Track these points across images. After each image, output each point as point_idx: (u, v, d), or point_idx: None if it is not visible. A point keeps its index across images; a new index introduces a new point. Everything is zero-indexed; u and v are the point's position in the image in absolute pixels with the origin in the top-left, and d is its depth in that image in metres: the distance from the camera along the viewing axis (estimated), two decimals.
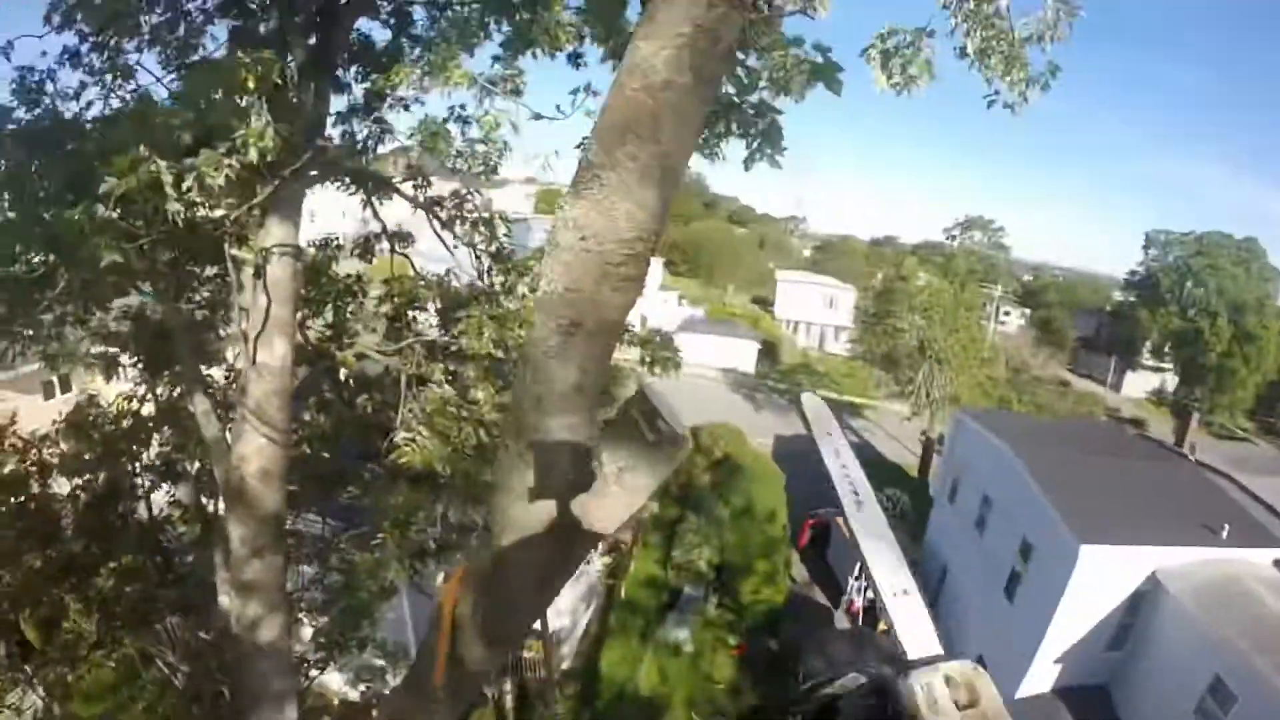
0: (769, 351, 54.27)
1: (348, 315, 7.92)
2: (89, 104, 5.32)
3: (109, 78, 5.19)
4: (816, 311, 64.00)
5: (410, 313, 7.85)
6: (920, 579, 24.16)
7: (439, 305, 7.86)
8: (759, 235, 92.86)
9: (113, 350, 7.15)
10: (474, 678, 2.81)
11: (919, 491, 31.33)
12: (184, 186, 3.84)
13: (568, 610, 19.39)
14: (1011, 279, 69.62)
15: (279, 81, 3.99)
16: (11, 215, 4.54)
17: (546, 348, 1.88)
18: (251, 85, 3.70)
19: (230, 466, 5.50)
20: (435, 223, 7.54)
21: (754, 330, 57.65)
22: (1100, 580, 16.74)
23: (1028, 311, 70.85)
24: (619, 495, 2.13)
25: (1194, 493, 19.66)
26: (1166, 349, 54.69)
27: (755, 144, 4.13)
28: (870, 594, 21.77)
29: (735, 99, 4.12)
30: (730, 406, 40.63)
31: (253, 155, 4.01)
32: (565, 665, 18.88)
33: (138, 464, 7.66)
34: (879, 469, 35.12)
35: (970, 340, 36.43)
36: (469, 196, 7.80)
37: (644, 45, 1.55)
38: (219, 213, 4.56)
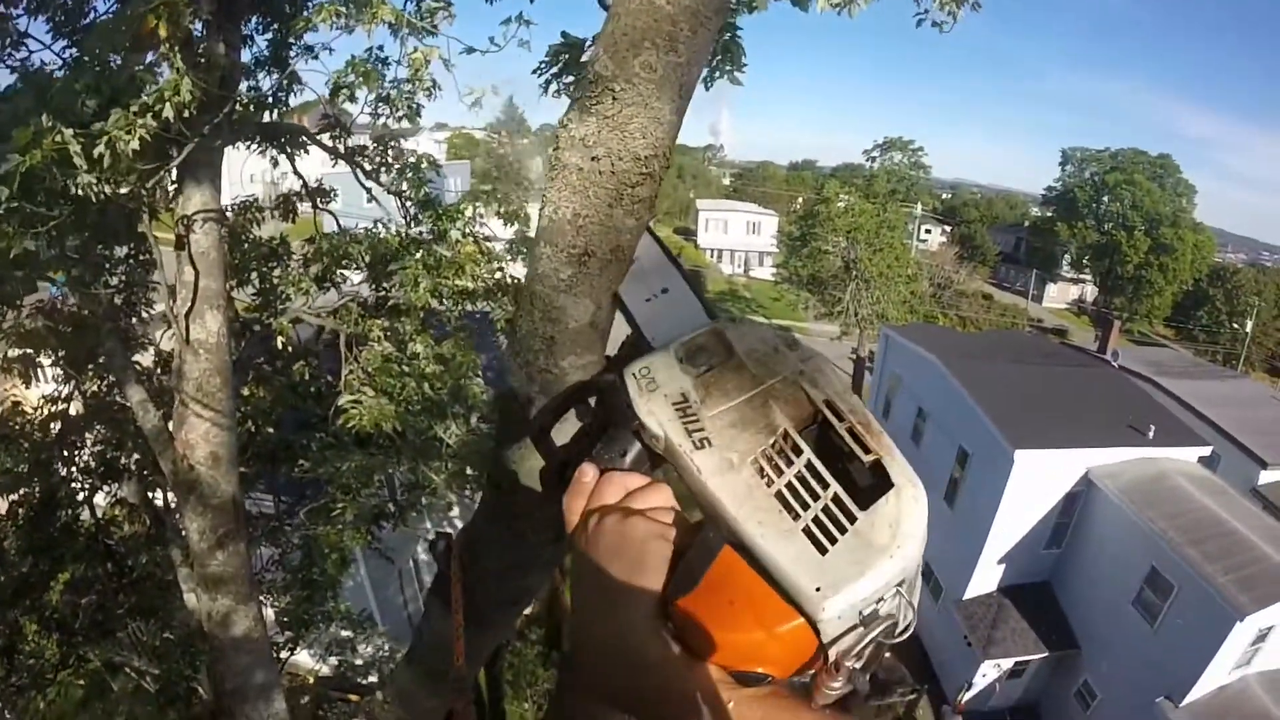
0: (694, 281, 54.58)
1: (275, 280, 7.53)
2: None
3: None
4: (739, 238, 64.59)
5: (340, 271, 7.52)
6: None
7: (368, 260, 7.57)
8: (677, 165, 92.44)
9: (28, 351, 6.60)
10: (488, 644, 2.73)
11: None
12: (94, 155, 3.48)
13: None
14: (931, 198, 71.31)
15: (190, 28, 3.62)
16: None
17: (556, 281, 1.74)
18: (163, 32, 3.33)
19: (177, 456, 5.18)
20: (359, 173, 7.20)
21: None
22: (1036, 483, 17.71)
23: (948, 229, 72.89)
24: None
25: (1119, 396, 20.83)
26: (1085, 261, 57.24)
27: (715, 61, 3.98)
28: None
29: None
30: None
31: (169, 112, 3.65)
32: (528, 610, 19.01)
33: (73, 468, 7.17)
34: None
35: (894, 259, 37.36)
36: (394, 143, 7.47)
37: None
38: (126, 189, 4.18)
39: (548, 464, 0.94)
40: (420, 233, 7.41)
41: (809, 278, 39.11)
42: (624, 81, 1.52)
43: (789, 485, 0.81)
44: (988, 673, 18.26)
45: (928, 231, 69.92)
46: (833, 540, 0.78)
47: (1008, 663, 18.18)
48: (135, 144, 3.59)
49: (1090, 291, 60.57)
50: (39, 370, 6.68)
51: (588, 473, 0.88)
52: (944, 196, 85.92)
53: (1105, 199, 54.80)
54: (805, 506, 0.80)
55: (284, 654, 9.64)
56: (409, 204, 7.31)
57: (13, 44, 4.69)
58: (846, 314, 37.11)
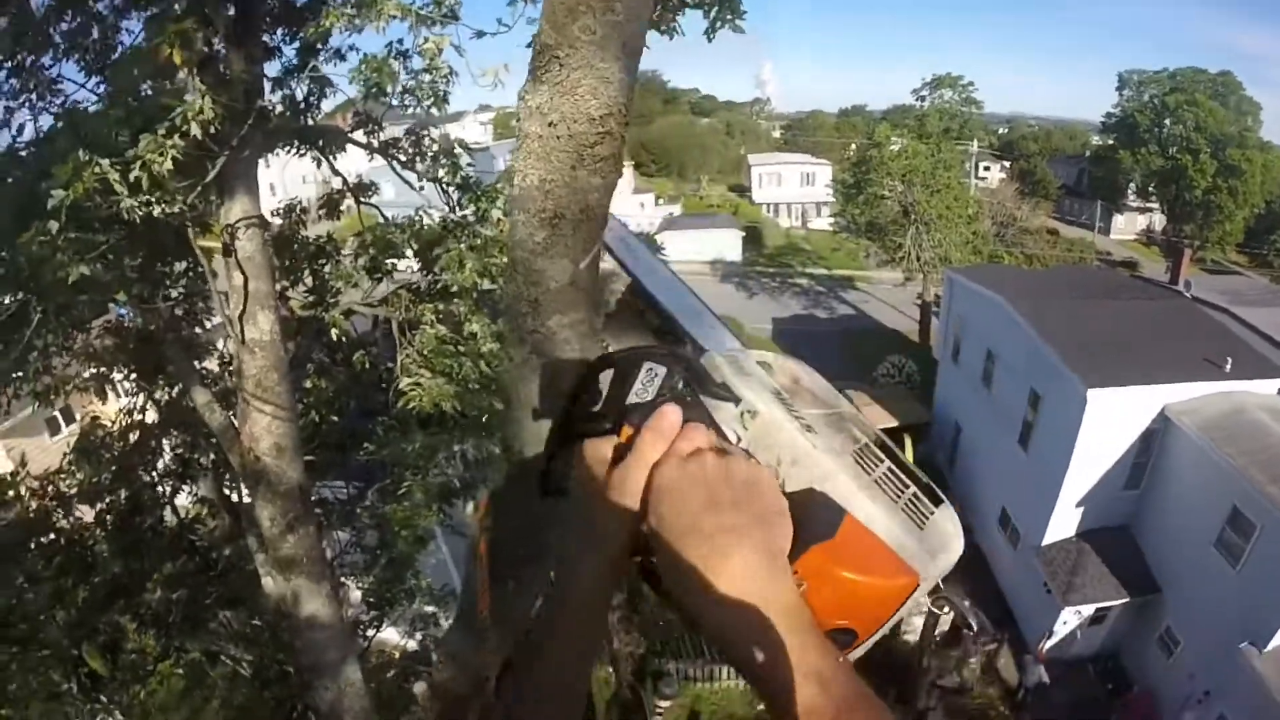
0: (753, 237, 54.06)
1: (326, 276, 7.82)
2: (20, 128, 5.09)
3: (33, 97, 4.93)
4: (794, 190, 63.39)
5: (389, 261, 7.75)
6: (934, 442, 24.68)
7: (415, 247, 7.77)
8: (725, 123, 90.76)
9: (102, 369, 7.07)
10: (517, 602, 2.87)
11: (922, 356, 31.65)
12: (132, 179, 3.71)
13: None
14: (987, 133, 68.48)
15: (205, 49, 3.82)
16: None
17: (533, 245, 1.84)
18: (178, 59, 3.53)
19: (244, 450, 5.51)
20: (395, 165, 7.39)
21: (734, 218, 57.21)
22: (1111, 422, 17.06)
23: (1007, 164, 69.95)
24: None
25: (1193, 328, 19.83)
26: (1151, 189, 54.30)
27: (714, 11, 3.97)
28: None
29: None
30: (722, 296, 40.87)
31: (195, 130, 3.86)
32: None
33: (154, 473, 7.68)
34: (879, 338, 35.47)
35: (953, 199, 36.13)
36: (424, 132, 7.63)
37: None
38: (171, 208, 4.43)
39: (587, 422, 0.94)
40: (465, 215, 7.56)
41: (867, 225, 38.11)
42: (567, 47, 1.59)
43: (882, 477, 0.94)
44: (1068, 620, 17.82)
45: (986, 169, 67.14)
46: (923, 522, 0.92)
47: (1088, 609, 17.69)
48: (169, 165, 3.81)
49: (1159, 220, 57.32)
50: (113, 386, 7.14)
51: (670, 414, 0.83)
52: (1000, 131, 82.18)
53: (1167, 122, 51.53)
54: (898, 496, 0.93)
55: (370, 631, 10.14)
56: (449, 189, 7.47)
57: (49, 89, 4.99)
58: (908, 259, 36.06)
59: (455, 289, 7.35)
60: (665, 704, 16.35)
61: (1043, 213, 54.07)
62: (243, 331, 5.46)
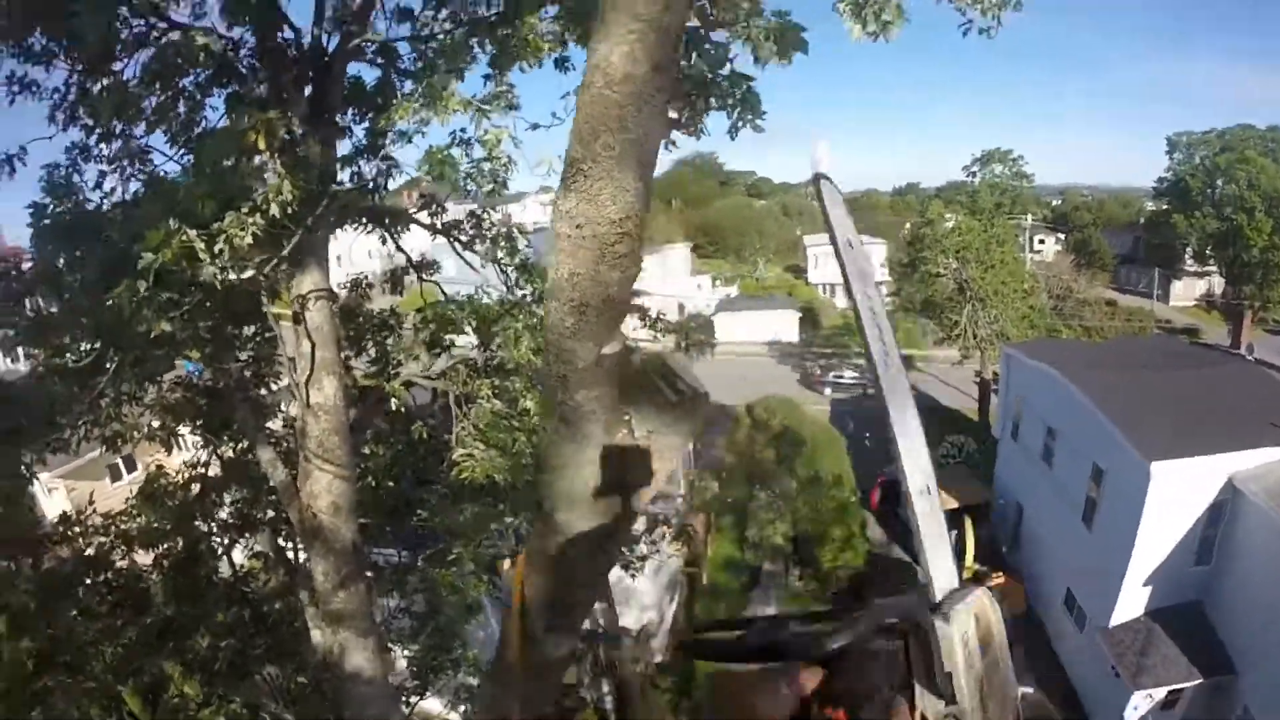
0: (809, 318, 54.13)
1: (388, 348, 8.19)
2: (111, 190, 5.64)
3: (125, 164, 5.49)
4: None
5: (448, 336, 8.09)
6: (996, 522, 23.86)
7: (474, 324, 8.08)
8: (781, 204, 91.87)
9: (170, 422, 7.51)
10: (552, 656, 3.00)
11: (981, 435, 30.90)
12: (215, 250, 4.11)
13: (653, 604, 19.58)
14: (1039, 206, 67.81)
15: (286, 136, 4.25)
16: (54, 310, 4.89)
17: (563, 329, 2.06)
18: (262, 145, 3.95)
19: (303, 506, 5.80)
20: (457, 245, 7.80)
21: (791, 299, 57.42)
22: (1176, 495, 16.39)
23: (1062, 236, 68.99)
24: (652, 454, 2.30)
25: (1258, 393, 19.11)
26: (1208, 252, 52.77)
27: (735, 113, 4.26)
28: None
29: (710, 75, 4.25)
30: (780, 378, 40.72)
31: (275, 210, 4.27)
32: (659, 659, 19.06)
33: (213, 524, 8.02)
34: (938, 417, 34.78)
35: (1008, 274, 35.81)
36: (484, 215, 8.03)
37: (601, 46, 1.72)
38: (248, 273, 4.84)
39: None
40: (523, 295, 7.89)
41: (923, 303, 38.05)
42: (590, 161, 1.84)
43: None
44: (1139, 704, 16.78)
45: (1041, 242, 66.35)
46: None
47: (1160, 692, 16.66)
48: (249, 239, 4.21)
49: (1218, 283, 55.40)
50: (179, 439, 7.57)
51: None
52: (1053, 203, 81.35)
53: (1219, 182, 50.09)
54: None
55: (413, 699, 10.16)
56: (508, 269, 7.84)
57: (138, 160, 5.54)
58: (965, 337, 35.71)
59: (511, 365, 7.63)
60: None
61: (1100, 283, 53.06)
62: (308, 395, 5.82)
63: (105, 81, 5.16)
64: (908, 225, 49.46)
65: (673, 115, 5.03)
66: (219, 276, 4.37)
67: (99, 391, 5.90)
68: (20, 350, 6.13)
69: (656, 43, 1.67)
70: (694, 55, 4.23)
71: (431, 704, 13.17)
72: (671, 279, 57.00)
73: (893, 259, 44.88)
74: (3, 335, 5.54)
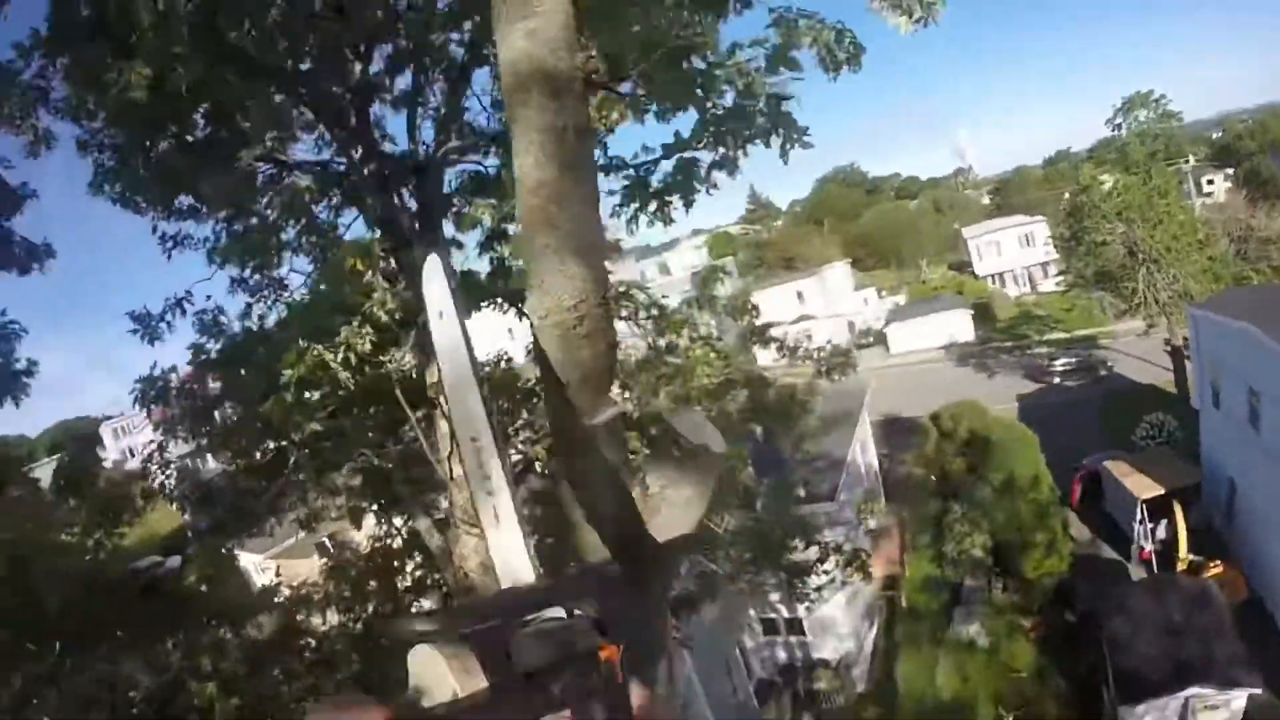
0: (982, 313, 50.85)
1: (535, 414, 8.68)
2: (260, 317, 6.64)
3: (267, 292, 6.48)
4: (1015, 255, 59.37)
5: None
6: (1207, 504, 21.07)
7: (619, 380, 8.44)
8: (932, 201, 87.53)
9: (354, 502, 8.51)
10: None
11: (1181, 409, 27.35)
12: (340, 358, 4.79)
13: (850, 633, 19.10)
14: (1197, 145, 59.61)
15: (383, 258, 4.91)
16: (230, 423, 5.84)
17: (551, 406, 2.31)
18: (361, 267, 4.61)
19: (455, 569, 6.38)
20: None
21: (960, 297, 54.41)
22: None
23: (1229, 171, 59.86)
24: (670, 508, 2.49)
25: None
26: None
27: (780, 136, 4.36)
28: (1161, 535, 19.43)
29: (744, 105, 4.36)
30: (962, 381, 38.40)
31: (383, 318, 4.91)
32: (860, 689, 18.38)
33: (396, 589, 8.90)
34: (1132, 397, 31.22)
35: (1178, 227, 31.86)
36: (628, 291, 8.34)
37: (517, 162, 1.99)
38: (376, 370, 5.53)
39: None
40: (664, 344, 8.19)
41: (1095, 275, 34.57)
42: (535, 261, 2.09)
43: None
44: None
45: (1209, 183, 57.99)
46: None
47: None
48: (367, 345, 4.86)
49: None
50: (360, 516, 8.53)
51: None
52: (1212, 137, 71.17)
53: None
54: None
55: None
56: (644, 324, 8.21)
57: (278, 288, 6.51)
58: (1145, 304, 32.09)
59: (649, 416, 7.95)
60: None
61: None
62: (451, 469, 6.44)
63: (247, 223, 6.15)
64: (1065, 195, 45.40)
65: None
66: (350, 380, 5.04)
67: (285, 482, 6.89)
68: (209, 456, 7.28)
69: (556, 146, 1.90)
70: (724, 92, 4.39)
71: None
72: (834, 299, 55.66)
73: (1055, 234, 41.13)
74: (196, 445, 6.68)
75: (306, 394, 4.91)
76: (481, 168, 7.04)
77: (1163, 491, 19.93)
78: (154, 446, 6.76)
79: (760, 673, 19.29)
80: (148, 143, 5.64)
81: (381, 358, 5.29)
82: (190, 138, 5.69)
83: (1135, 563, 20.33)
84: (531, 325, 2.31)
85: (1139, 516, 20.14)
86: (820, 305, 54.04)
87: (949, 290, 58.71)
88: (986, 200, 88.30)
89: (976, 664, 18.18)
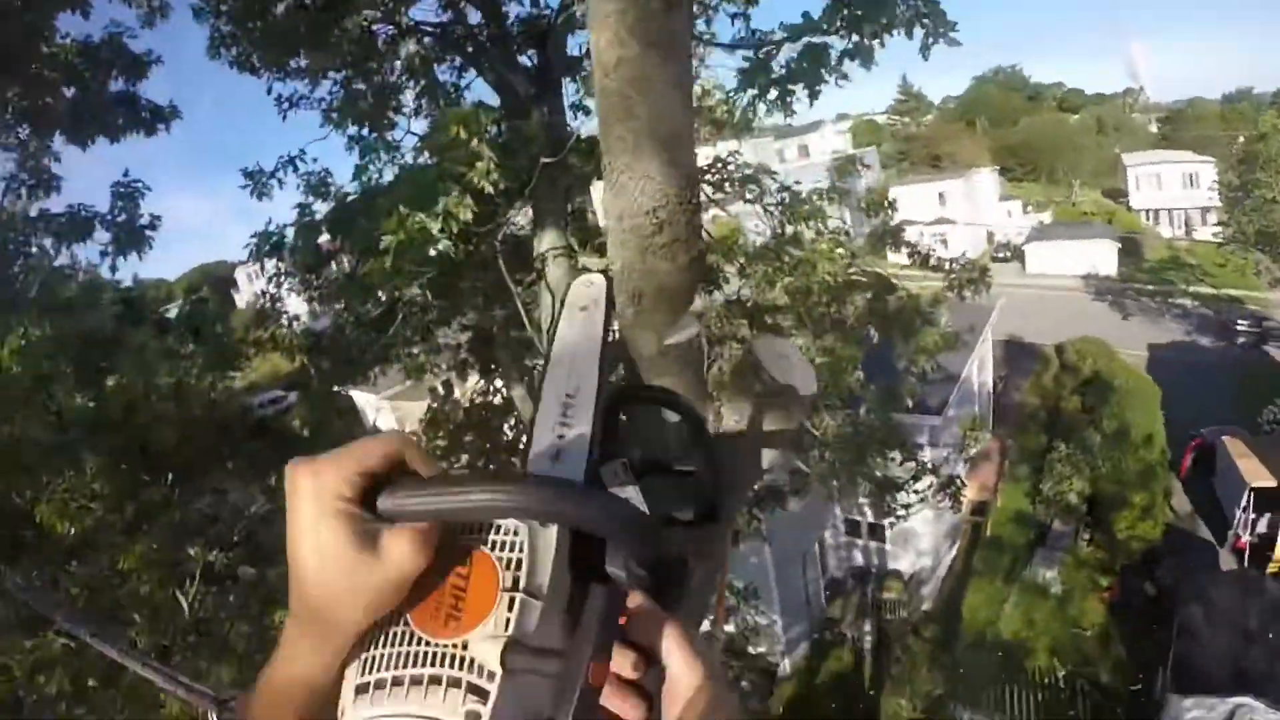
0: (1130, 249, 46.27)
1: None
2: (376, 175, 6.62)
3: (377, 157, 6.41)
4: (1176, 194, 52.97)
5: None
6: None
7: (741, 263, 8.07)
8: (1095, 118, 78.12)
9: (459, 358, 8.78)
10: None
11: None
12: (440, 228, 4.70)
13: (929, 550, 18.89)
14: None
15: (490, 126, 4.69)
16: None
17: (624, 320, 2.10)
18: (464, 135, 4.40)
19: None
20: (706, 190, 7.82)
21: (1110, 227, 49.56)
22: None
23: None
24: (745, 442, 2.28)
25: None
26: None
27: (925, 29, 3.77)
28: (1263, 528, 17.73)
29: None
30: (1095, 317, 35.38)
31: (488, 187, 4.75)
32: (925, 607, 18.35)
33: (489, 446, 9.25)
34: (1272, 375, 27.63)
35: None
36: (729, 158, 7.94)
37: (593, 37, 1.68)
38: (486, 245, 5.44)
39: None
40: (791, 232, 7.77)
41: (1257, 234, 30.87)
42: (611, 155, 1.82)
43: None
44: None
45: None
46: None
47: None
48: (468, 215, 4.74)
49: None
50: (464, 372, 8.80)
51: None
52: None
53: None
54: None
55: None
56: (769, 208, 7.80)
57: (394, 149, 6.44)
58: None
59: (766, 307, 7.63)
60: None
61: None
62: (544, 340, 6.45)
63: (369, 83, 6.05)
64: (1240, 139, 39.24)
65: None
66: (452, 250, 4.98)
67: (392, 334, 7.13)
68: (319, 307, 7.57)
69: (639, 20, 1.57)
70: None
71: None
72: (978, 206, 51.94)
73: (1222, 180, 36.02)
74: (307, 298, 6.96)
75: (408, 259, 4.89)
76: None
77: (1275, 484, 18.04)
78: (267, 299, 7.13)
79: (835, 571, 19.50)
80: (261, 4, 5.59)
81: (486, 226, 5.17)
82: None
83: (1228, 550, 18.70)
84: (606, 227, 2.07)
85: (1244, 503, 18.39)
86: (962, 210, 50.38)
87: (1099, 218, 53.50)
88: (1154, 129, 77.91)
89: (1044, 611, 17.67)
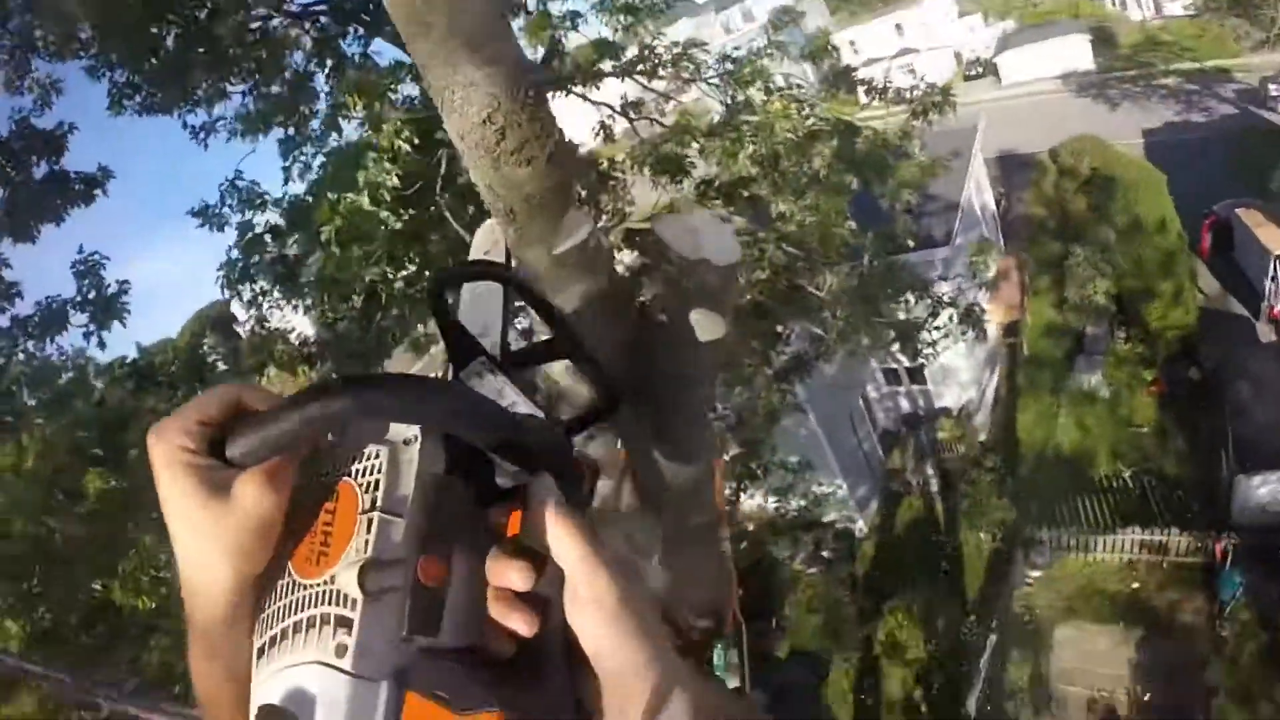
0: (1102, 38, 44.36)
1: (609, 200, 8.19)
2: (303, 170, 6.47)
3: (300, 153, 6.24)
4: None
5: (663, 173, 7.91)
6: None
7: (699, 144, 7.81)
8: None
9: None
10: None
11: None
12: (373, 198, 4.64)
13: (971, 381, 18.93)
14: None
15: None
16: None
17: (510, 238, 2.06)
18: (361, 102, 4.30)
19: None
20: (640, 81, 7.52)
21: (1077, 21, 47.32)
22: None
23: None
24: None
25: None
26: None
27: None
28: None
29: None
30: (1082, 114, 34.04)
31: (404, 146, 4.65)
32: (982, 438, 18.44)
33: None
34: (1271, 139, 26.21)
35: None
36: (650, 44, 7.58)
37: None
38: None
39: None
40: (738, 101, 7.44)
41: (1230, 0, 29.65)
42: (428, 75, 1.75)
43: None
44: None
45: None
46: None
47: None
48: (394, 180, 4.66)
49: None
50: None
51: None
52: None
53: None
54: None
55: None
56: (711, 82, 7.51)
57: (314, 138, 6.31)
58: None
59: (734, 179, 7.43)
60: (1036, 573, 15.26)
61: None
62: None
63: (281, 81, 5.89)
64: None
65: None
66: (394, 220, 4.91)
67: (381, 316, 7.14)
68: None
69: None
70: None
71: (747, 503, 14.87)
72: (936, 29, 49.47)
73: None
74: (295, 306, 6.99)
75: (354, 242, 4.84)
76: None
77: None
78: (254, 323, 7.12)
79: (885, 423, 19.65)
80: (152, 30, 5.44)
81: (417, 185, 5.06)
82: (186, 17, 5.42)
83: (1264, 321, 18.37)
84: (459, 148, 1.99)
85: (1271, 272, 18.04)
86: (922, 37, 48.09)
87: (1063, 14, 50.85)
88: None
89: (1097, 415, 17.72)
